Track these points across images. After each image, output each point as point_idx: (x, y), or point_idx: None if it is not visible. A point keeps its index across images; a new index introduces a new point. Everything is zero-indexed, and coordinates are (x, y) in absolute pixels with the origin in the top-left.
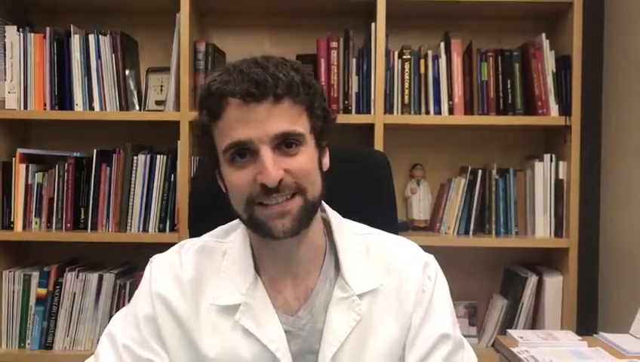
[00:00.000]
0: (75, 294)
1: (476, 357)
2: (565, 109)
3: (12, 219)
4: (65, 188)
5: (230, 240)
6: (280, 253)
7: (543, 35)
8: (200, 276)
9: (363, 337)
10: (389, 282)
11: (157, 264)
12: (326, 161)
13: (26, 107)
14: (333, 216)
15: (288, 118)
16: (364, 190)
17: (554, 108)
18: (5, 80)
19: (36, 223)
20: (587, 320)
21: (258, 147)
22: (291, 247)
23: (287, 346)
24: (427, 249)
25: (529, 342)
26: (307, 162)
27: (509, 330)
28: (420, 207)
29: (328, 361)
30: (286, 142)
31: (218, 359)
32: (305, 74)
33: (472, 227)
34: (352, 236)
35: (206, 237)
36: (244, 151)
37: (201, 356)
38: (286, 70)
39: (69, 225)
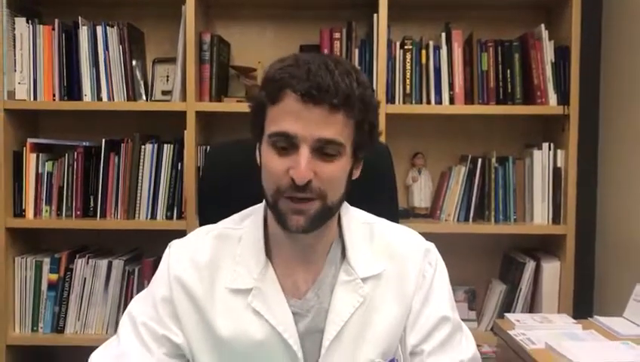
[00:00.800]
0: (85, 280)
1: (474, 340)
2: (564, 99)
3: (23, 207)
4: (74, 176)
5: (244, 227)
6: (296, 241)
7: (542, 25)
8: (216, 260)
9: (365, 318)
10: (392, 267)
11: (175, 248)
12: (357, 172)
13: (35, 98)
14: (343, 206)
15: (335, 128)
16: (367, 179)
17: (552, 98)
18: (15, 71)
19: (46, 211)
20: (583, 305)
21: (300, 144)
22: (307, 238)
23: (294, 328)
24: (428, 236)
25: (525, 324)
26: (338, 172)
27: (506, 314)
28: (420, 194)
29: (332, 338)
30: (325, 148)
31: (231, 338)
32: (367, 88)
33: (471, 214)
34: (358, 224)
35: (222, 224)
36: (287, 142)
37: (215, 335)
38: (350, 80)
39: (78, 212)
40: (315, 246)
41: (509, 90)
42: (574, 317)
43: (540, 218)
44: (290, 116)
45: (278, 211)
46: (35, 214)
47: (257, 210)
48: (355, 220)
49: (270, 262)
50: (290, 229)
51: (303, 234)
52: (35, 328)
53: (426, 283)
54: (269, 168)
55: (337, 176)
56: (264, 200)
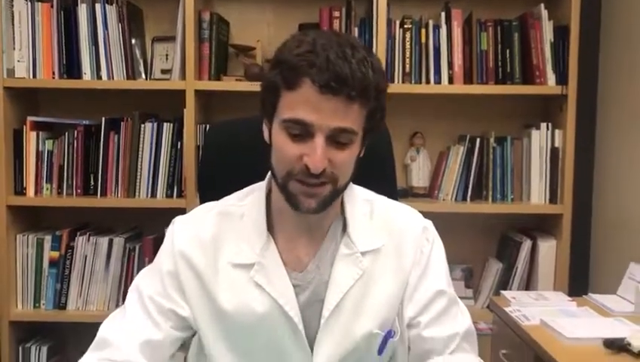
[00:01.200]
0: (86, 257)
1: (471, 317)
2: (562, 79)
3: (24, 185)
4: (75, 155)
5: (247, 203)
6: (301, 219)
7: (542, 5)
8: (219, 237)
9: (364, 289)
10: (390, 243)
11: (179, 224)
12: (362, 151)
13: (34, 76)
14: None
15: (351, 117)
16: (366, 159)
17: (551, 78)
18: (14, 49)
19: (47, 189)
20: (578, 283)
21: (315, 133)
22: (312, 217)
23: (295, 300)
24: (426, 214)
25: (521, 302)
26: (350, 157)
27: (502, 291)
28: (419, 174)
29: (332, 309)
30: (339, 137)
31: (233, 311)
32: (381, 74)
33: (469, 193)
34: (360, 201)
35: (224, 201)
36: (302, 130)
37: (218, 309)
38: (366, 69)
39: (79, 190)
40: (319, 222)
41: (508, 70)
42: (569, 295)
43: (537, 197)
44: (307, 105)
45: (289, 193)
46: (36, 192)
47: (259, 187)
48: (357, 197)
49: (272, 237)
50: (301, 211)
51: (312, 214)
52: (37, 304)
53: (424, 259)
54: (282, 152)
55: (349, 162)
56: (266, 178)
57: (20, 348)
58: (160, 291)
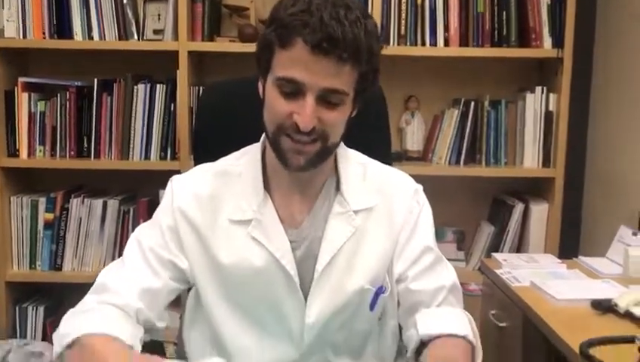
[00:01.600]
0: (81, 219)
1: (463, 279)
2: (558, 42)
3: (17, 147)
4: (67, 116)
5: (243, 163)
6: (294, 177)
7: None
8: (217, 195)
9: (356, 246)
10: (382, 203)
11: (177, 182)
12: (355, 111)
13: (25, 36)
14: (341, 147)
15: (341, 79)
16: (360, 121)
17: (547, 41)
18: (3, 8)
19: (40, 151)
20: (569, 246)
21: (306, 92)
22: (305, 174)
23: (291, 254)
24: (419, 178)
25: (512, 264)
26: (340, 118)
27: (493, 254)
28: (413, 137)
29: (326, 263)
30: (329, 97)
31: (232, 265)
32: (374, 37)
33: (463, 157)
34: (353, 163)
35: (221, 161)
36: (293, 88)
37: (217, 264)
38: (359, 31)
39: (72, 153)
40: (312, 180)
41: (504, 33)
42: (560, 258)
43: (530, 161)
44: (299, 64)
45: (279, 149)
46: (29, 154)
47: (254, 148)
48: (351, 159)
49: (269, 195)
50: (290, 167)
51: (301, 172)
52: (33, 265)
53: (412, 219)
54: (273, 108)
55: (340, 122)
56: (261, 138)
57: (17, 309)
58: (160, 243)
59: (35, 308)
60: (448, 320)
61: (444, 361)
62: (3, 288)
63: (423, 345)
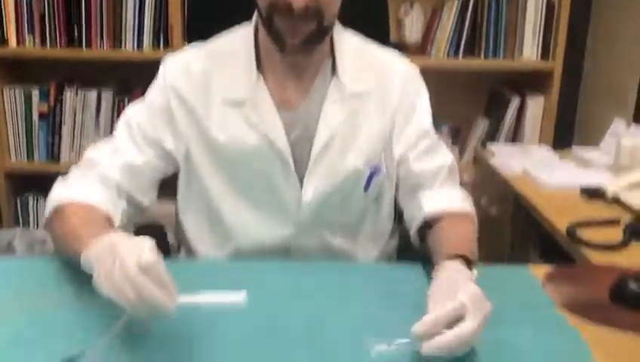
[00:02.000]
0: (75, 111)
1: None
2: None
3: (5, 36)
4: (55, 3)
5: (235, 41)
6: (289, 61)
7: None
8: (210, 73)
9: (352, 128)
10: (378, 86)
11: (170, 61)
12: None
13: None
14: (339, 29)
15: None
16: (359, 10)
17: None
18: None
19: (30, 40)
20: (563, 138)
21: None
22: (299, 59)
23: (284, 135)
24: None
25: (505, 153)
26: None
27: (488, 144)
28: (412, 29)
29: (322, 144)
30: None
31: (226, 143)
32: None
33: (461, 49)
34: (350, 45)
35: (214, 40)
36: None
37: (211, 142)
38: None
39: (62, 42)
40: (306, 63)
41: None
42: (554, 149)
43: (530, 53)
44: None
45: (274, 29)
46: (18, 43)
47: (247, 27)
48: (348, 41)
49: (262, 77)
50: (286, 49)
51: (296, 54)
52: (30, 157)
53: (409, 102)
54: None
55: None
56: (253, 17)
57: (18, 200)
58: (147, 121)
59: (35, 198)
60: (452, 197)
61: (459, 238)
62: (2, 178)
63: (426, 226)
